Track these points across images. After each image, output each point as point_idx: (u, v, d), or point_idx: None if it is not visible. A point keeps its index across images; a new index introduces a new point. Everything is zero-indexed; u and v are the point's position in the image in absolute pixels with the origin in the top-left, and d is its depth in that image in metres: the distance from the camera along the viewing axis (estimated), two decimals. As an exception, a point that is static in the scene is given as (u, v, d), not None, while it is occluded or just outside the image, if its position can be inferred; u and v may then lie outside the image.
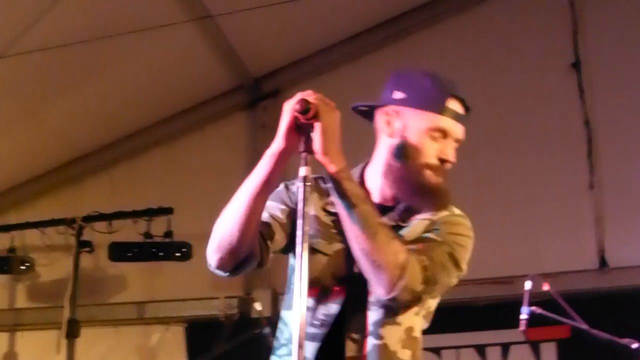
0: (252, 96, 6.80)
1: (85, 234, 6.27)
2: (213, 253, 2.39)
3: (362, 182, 2.59)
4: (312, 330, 2.43)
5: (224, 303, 6.34)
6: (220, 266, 2.41)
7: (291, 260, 2.60)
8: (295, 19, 6.20)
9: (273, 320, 4.28)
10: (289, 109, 2.30)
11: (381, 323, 2.44)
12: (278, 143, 2.31)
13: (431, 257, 2.42)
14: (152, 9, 5.72)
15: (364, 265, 2.35)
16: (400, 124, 2.52)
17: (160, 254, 6.11)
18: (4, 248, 6.62)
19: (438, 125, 2.49)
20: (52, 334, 6.55)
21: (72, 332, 5.97)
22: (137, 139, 6.92)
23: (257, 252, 2.43)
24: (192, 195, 6.47)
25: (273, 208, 2.52)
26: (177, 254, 6.09)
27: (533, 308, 4.18)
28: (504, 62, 6.31)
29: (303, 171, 2.24)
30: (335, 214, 2.46)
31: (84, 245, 6.27)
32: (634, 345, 3.98)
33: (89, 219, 6.27)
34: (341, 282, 2.48)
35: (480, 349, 5.74)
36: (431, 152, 2.49)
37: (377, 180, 2.57)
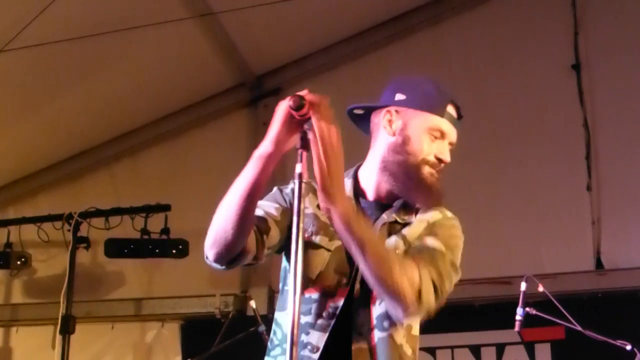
0: (254, 94, 6.80)
1: (83, 230, 6.26)
2: (210, 247, 2.45)
3: (356, 181, 2.69)
4: (320, 321, 2.53)
5: (220, 300, 6.35)
6: (216, 260, 2.47)
7: (284, 262, 2.69)
8: (297, 16, 6.21)
9: (269, 318, 4.28)
10: (282, 108, 2.33)
11: (386, 316, 2.53)
12: (266, 146, 2.35)
13: (439, 271, 2.52)
14: (155, 5, 5.72)
15: (380, 291, 2.44)
16: (401, 122, 2.64)
17: (157, 250, 6.10)
18: (1, 243, 6.61)
19: (438, 126, 2.63)
20: (48, 329, 6.58)
21: (68, 328, 5.96)
22: (138, 135, 6.92)
23: (253, 247, 2.50)
24: (191, 192, 6.47)
25: (268, 206, 2.59)
26: (174, 251, 6.08)
27: (528, 309, 4.19)
28: (505, 62, 6.31)
29: (299, 168, 2.26)
30: None
31: (80, 241, 6.25)
32: (628, 347, 3.99)
33: (86, 214, 6.26)
34: (345, 277, 2.56)
35: (475, 349, 5.74)
36: (430, 150, 2.62)
37: (372, 177, 2.67)
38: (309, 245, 2.56)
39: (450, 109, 2.66)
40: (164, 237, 6.13)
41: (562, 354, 5.63)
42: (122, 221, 6.21)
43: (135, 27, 5.65)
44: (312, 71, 6.68)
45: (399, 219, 2.63)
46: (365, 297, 2.54)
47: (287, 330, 2.35)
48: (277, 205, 2.62)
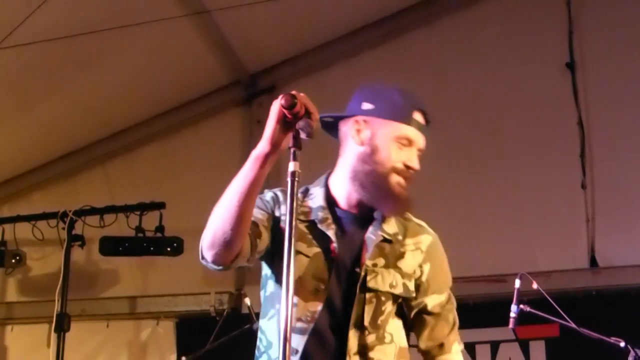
0: (248, 92, 6.80)
1: (77, 228, 6.26)
2: (208, 249, 2.47)
3: (327, 190, 2.76)
4: (299, 324, 2.59)
5: (215, 298, 6.35)
6: (215, 261, 2.49)
7: (265, 269, 2.75)
8: (292, 14, 6.21)
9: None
10: (275, 107, 2.34)
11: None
12: (263, 146, 2.37)
13: (455, 325, 2.86)
14: (149, 3, 5.72)
15: None
16: (369, 132, 2.70)
17: (152, 248, 6.11)
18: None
19: (405, 134, 2.69)
20: (43, 327, 6.55)
21: (63, 326, 5.96)
22: (132, 133, 6.91)
23: (248, 249, 2.53)
24: (185, 190, 6.48)
25: (255, 212, 2.61)
26: (169, 249, 6.08)
27: (522, 306, 4.20)
28: (499, 61, 6.32)
29: (292, 166, 2.27)
30: (308, 221, 2.67)
31: (75, 239, 6.25)
32: (622, 344, 4.00)
33: (81, 212, 6.26)
34: (322, 282, 2.63)
35: (470, 347, 5.75)
36: (398, 158, 2.68)
37: (343, 186, 2.74)
38: None
39: (417, 116, 2.70)
40: (159, 235, 6.13)
41: (557, 352, 5.64)
42: (116, 219, 6.22)
43: (128, 25, 5.65)
44: (306, 69, 6.69)
45: (385, 236, 2.70)
46: (341, 300, 2.64)
47: (272, 337, 2.60)
48: (263, 211, 2.66)
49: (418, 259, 2.74)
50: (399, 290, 2.69)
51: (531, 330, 5.53)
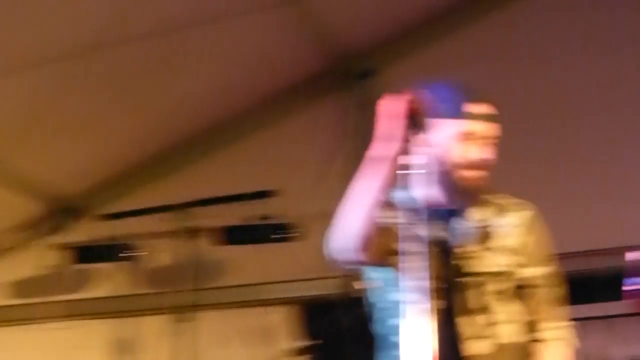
0: (348, 76, 6.83)
1: (193, 220, 6.41)
2: (340, 251, 2.58)
3: None
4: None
5: (336, 282, 6.37)
6: (347, 261, 2.63)
7: (387, 270, 2.73)
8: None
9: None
10: (398, 105, 2.40)
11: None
12: (395, 145, 2.44)
13: (558, 299, 2.92)
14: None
15: None
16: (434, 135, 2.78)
17: (270, 235, 6.24)
18: (109, 236, 6.83)
19: (462, 130, 2.79)
20: (163, 319, 6.71)
21: (185, 317, 6.11)
22: (242, 122, 7.03)
23: (377, 250, 2.61)
24: (297, 176, 6.54)
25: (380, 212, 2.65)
26: (286, 236, 6.23)
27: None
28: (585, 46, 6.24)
29: (416, 159, 2.36)
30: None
31: (191, 231, 6.41)
32: None
33: (196, 204, 6.40)
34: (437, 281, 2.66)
35: (584, 323, 5.69)
36: (461, 154, 2.79)
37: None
38: None
39: (473, 107, 2.79)
40: (274, 222, 6.27)
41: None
42: (232, 208, 6.35)
43: (225, 16, 5.76)
44: (405, 51, 6.69)
45: (469, 223, 2.82)
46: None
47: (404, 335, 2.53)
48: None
49: (521, 233, 2.84)
50: (496, 268, 2.77)
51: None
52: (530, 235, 2.87)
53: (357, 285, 5.27)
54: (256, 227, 6.29)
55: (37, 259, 7.29)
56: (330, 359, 6.33)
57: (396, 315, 2.69)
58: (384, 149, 2.46)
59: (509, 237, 2.82)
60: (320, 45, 6.56)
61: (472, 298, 2.73)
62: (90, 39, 5.59)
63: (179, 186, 6.98)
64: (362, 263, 2.60)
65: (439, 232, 2.72)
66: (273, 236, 6.27)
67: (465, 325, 2.71)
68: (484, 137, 2.80)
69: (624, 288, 4.21)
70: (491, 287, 2.77)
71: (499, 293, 2.79)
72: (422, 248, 2.58)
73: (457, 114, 2.78)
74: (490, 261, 2.78)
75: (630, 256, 4.18)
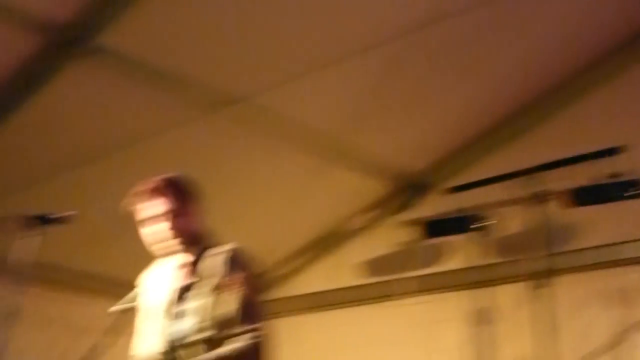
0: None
1: (540, 184, 6.29)
2: None
3: None
4: None
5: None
6: None
7: None
8: None
9: None
10: None
11: None
12: None
13: None
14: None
15: None
16: None
17: (621, 193, 6.00)
18: (457, 209, 6.86)
19: None
20: (517, 287, 6.62)
21: (540, 284, 6.04)
22: (579, 80, 6.80)
23: None
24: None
25: None
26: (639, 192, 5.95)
27: None
28: None
29: None
30: None
31: (539, 196, 6.30)
32: None
33: (541, 168, 6.29)
34: None
35: None
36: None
37: None
38: None
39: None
40: (625, 179, 6.00)
41: None
42: (579, 169, 6.18)
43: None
44: None
45: None
46: None
47: None
48: None
49: None
50: None
51: None
52: None
53: None
54: (606, 186, 6.07)
55: (388, 237, 7.55)
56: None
57: None
58: None
59: None
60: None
61: None
62: (420, 16, 5.69)
63: (522, 151, 6.91)
64: None
65: None
66: (625, 194, 6.01)
67: None
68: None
69: None
70: None
71: None
72: None
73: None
74: None
75: None
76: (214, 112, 5.91)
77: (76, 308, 7.02)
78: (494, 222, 6.79)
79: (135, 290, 3.76)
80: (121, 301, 3.79)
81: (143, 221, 3.58)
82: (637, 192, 6.02)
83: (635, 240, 6.48)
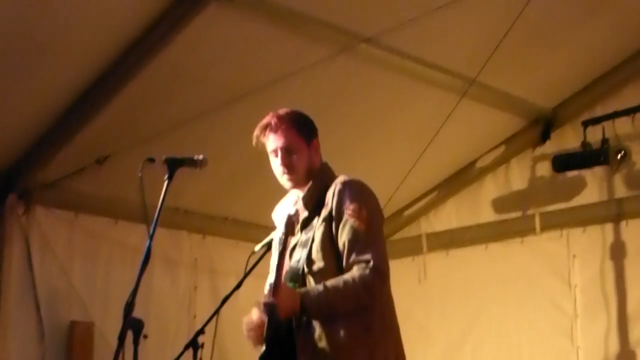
0: None
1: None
2: None
3: None
4: None
5: None
6: None
7: None
8: None
9: None
10: None
11: None
12: None
13: None
14: None
15: None
16: None
17: None
18: (597, 140, 6.83)
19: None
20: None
21: None
22: None
23: None
24: None
25: None
26: None
27: None
28: None
29: None
30: None
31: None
32: None
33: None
34: None
35: None
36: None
37: None
38: None
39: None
40: None
41: None
42: None
43: None
44: None
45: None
46: None
47: None
48: None
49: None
50: None
51: None
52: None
53: None
54: None
55: (522, 173, 7.59)
56: None
57: None
58: None
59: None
60: None
61: None
62: None
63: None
64: None
65: None
66: None
67: None
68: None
69: None
70: None
71: None
72: None
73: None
74: None
75: None
76: (346, 52, 5.98)
77: (211, 251, 7.28)
78: (626, 155, 6.68)
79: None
80: (263, 241, 3.87)
81: (269, 153, 3.67)
82: None
83: None
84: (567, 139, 7.20)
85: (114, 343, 3.31)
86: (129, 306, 3.30)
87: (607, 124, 6.75)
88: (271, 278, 3.48)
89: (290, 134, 3.61)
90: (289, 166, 3.61)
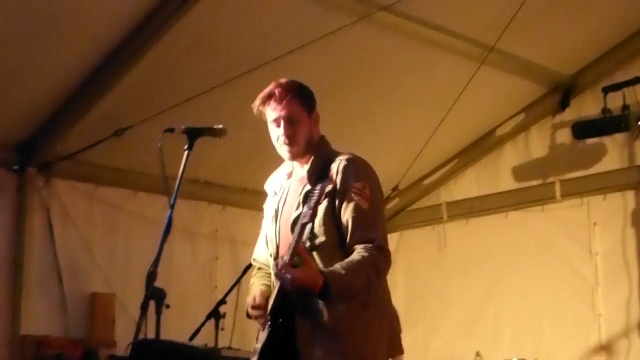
0: None
1: None
2: None
3: None
4: None
5: None
6: None
7: None
8: None
9: None
10: None
11: None
12: None
13: None
14: None
15: None
16: None
17: None
18: (618, 107, 6.73)
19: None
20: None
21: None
22: None
23: None
24: None
25: None
26: None
27: None
28: None
29: None
30: None
31: None
32: None
33: None
34: None
35: None
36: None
37: None
38: None
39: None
40: None
41: None
42: None
43: None
44: None
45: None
46: None
47: None
48: None
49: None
50: None
51: None
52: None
53: None
54: None
55: (542, 141, 7.53)
56: None
57: None
58: None
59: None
60: None
61: None
62: None
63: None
64: None
65: None
66: None
67: None
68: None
69: None
70: None
71: None
72: None
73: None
74: None
75: None
76: (364, 21, 5.95)
77: (231, 222, 7.31)
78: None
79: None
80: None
81: (270, 123, 3.60)
82: None
83: None
84: (587, 106, 7.14)
85: (135, 314, 3.32)
86: (152, 276, 3.30)
87: (627, 90, 6.66)
88: (272, 249, 3.57)
89: (294, 105, 3.55)
90: (291, 137, 3.55)
